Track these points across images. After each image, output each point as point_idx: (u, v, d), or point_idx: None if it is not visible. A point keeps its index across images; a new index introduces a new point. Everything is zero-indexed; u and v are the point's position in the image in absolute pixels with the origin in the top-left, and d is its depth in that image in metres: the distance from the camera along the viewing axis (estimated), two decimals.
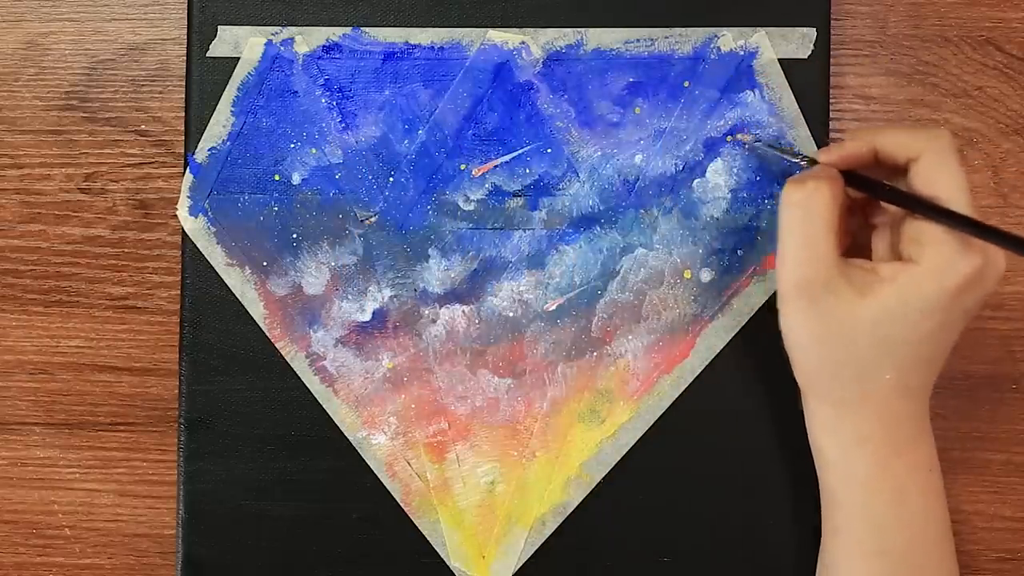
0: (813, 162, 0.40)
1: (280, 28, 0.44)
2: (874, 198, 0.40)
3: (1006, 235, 0.36)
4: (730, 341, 0.44)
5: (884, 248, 0.40)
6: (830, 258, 0.37)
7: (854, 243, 0.41)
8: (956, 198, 0.37)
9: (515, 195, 0.44)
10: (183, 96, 0.45)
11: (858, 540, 0.39)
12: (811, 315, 0.38)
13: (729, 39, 0.44)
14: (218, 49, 0.44)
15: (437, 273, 0.44)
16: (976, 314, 0.38)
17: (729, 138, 0.44)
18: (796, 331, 0.38)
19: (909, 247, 0.38)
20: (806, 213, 0.37)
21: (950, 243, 0.37)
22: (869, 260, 0.40)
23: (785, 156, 0.42)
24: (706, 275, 0.44)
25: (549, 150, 0.44)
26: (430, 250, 0.44)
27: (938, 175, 0.37)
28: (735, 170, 0.44)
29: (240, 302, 0.44)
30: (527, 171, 0.44)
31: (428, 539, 0.44)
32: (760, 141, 0.44)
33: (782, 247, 0.38)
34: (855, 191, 0.40)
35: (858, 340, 0.37)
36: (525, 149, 0.44)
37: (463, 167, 0.44)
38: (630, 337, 0.44)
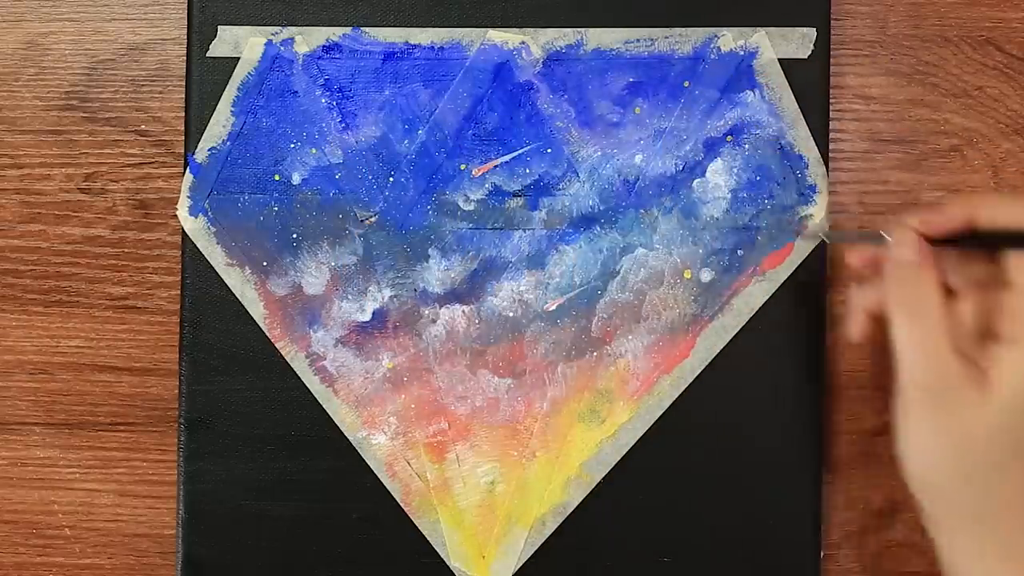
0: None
1: (280, 28, 0.44)
2: (974, 249, 0.36)
3: None
4: (730, 341, 0.44)
5: (971, 319, 0.36)
6: (951, 359, 0.34)
7: None
8: None
9: (515, 195, 0.44)
10: (183, 96, 0.45)
11: None
12: (938, 420, 0.35)
13: (729, 39, 0.44)
14: (218, 49, 0.44)
15: (437, 273, 0.44)
16: None
17: (822, 234, 0.41)
18: (923, 440, 0.35)
19: (1008, 326, 0.34)
20: (920, 318, 0.35)
21: None
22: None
23: (863, 239, 0.40)
24: (706, 275, 0.44)
25: (549, 150, 0.44)
26: (430, 250, 0.44)
27: None
28: (735, 170, 0.44)
29: (240, 302, 0.44)
30: (527, 171, 0.44)
31: (428, 539, 0.44)
32: (845, 234, 0.40)
33: (900, 350, 0.35)
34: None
35: (986, 443, 0.34)
36: (525, 149, 0.44)
37: (463, 167, 0.44)
38: (630, 337, 0.44)
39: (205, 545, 0.44)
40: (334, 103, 0.44)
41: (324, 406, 0.44)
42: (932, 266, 0.35)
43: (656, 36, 0.44)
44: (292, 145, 0.44)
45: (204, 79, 0.44)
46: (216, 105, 0.44)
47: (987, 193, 0.37)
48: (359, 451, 0.44)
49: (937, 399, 0.35)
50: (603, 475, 0.44)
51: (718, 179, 0.44)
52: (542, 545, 0.44)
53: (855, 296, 0.39)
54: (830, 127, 0.44)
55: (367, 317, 0.44)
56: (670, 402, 0.44)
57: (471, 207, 0.44)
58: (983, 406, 0.34)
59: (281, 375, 0.44)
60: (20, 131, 0.47)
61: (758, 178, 0.44)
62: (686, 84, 0.44)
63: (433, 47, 0.44)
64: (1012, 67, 0.46)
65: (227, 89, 0.44)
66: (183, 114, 0.45)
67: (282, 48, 0.44)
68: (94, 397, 0.47)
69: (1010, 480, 0.35)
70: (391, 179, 0.44)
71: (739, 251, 0.44)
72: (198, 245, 0.44)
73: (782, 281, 0.44)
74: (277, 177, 0.44)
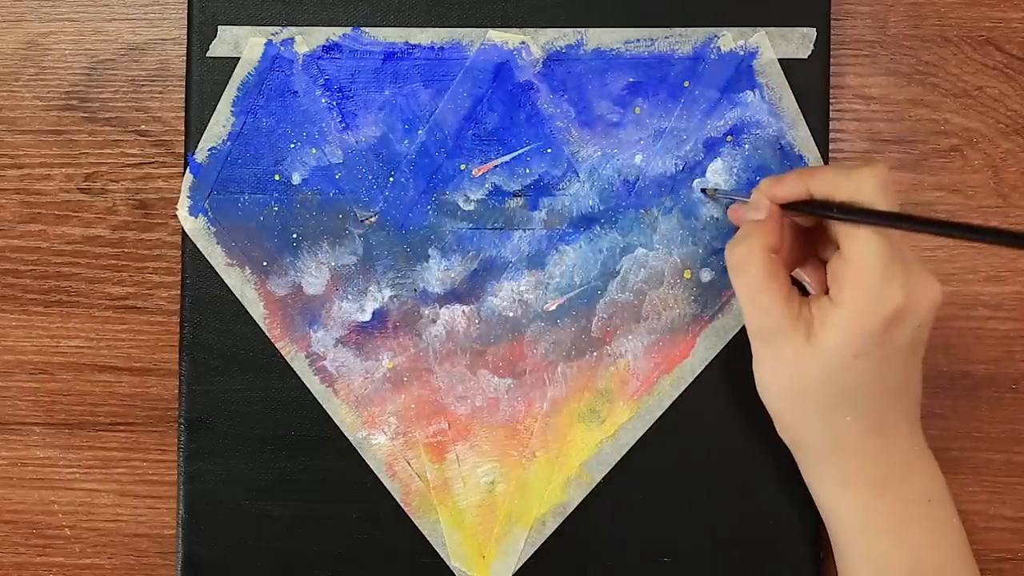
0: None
1: (280, 28, 0.44)
2: (810, 214, 0.39)
3: (937, 221, 0.36)
4: (730, 341, 0.44)
5: (819, 286, 0.41)
6: (778, 307, 0.38)
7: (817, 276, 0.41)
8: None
9: (515, 195, 0.44)
10: (183, 96, 0.45)
11: None
12: (771, 359, 0.39)
13: (729, 39, 0.44)
14: (218, 49, 0.44)
15: (437, 273, 0.44)
16: (923, 345, 0.38)
17: (708, 192, 0.44)
18: (763, 376, 0.40)
19: (833, 288, 0.38)
20: (746, 274, 0.38)
21: (868, 285, 0.37)
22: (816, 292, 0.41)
23: (735, 198, 0.42)
24: (706, 275, 0.44)
25: (549, 150, 0.44)
26: (430, 250, 0.44)
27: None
28: (735, 170, 0.44)
29: (240, 302, 0.44)
30: (527, 171, 0.44)
31: (428, 539, 0.44)
32: (718, 191, 0.44)
33: (741, 305, 0.39)
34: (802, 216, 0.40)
35: (812, 386, 0.38)
36: (525, 149, 0.44)
37: (463, 167, 0.44)
38: (630, 337, 0.44)
39: (205, 545, 0.44)
40: (334, 103, 0.44)
41: (324, 406, 0.44)
42: (764, 231, 0.39)
43: (656, 36, 0.44)
44: (292, 145, 0.44)
45: (204, 79, 0.44)
46: (216, 105, 0.44)
47: (814, 167, 0.41)
48: (359, 451, 0.44)
49: (771, 343, 0.39)
50: (603, 475, 0.44)
51: (718, 179, 0.44)
52: (542, 545, 0.44)
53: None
54: (830, 127, 0.44)
55: (367, 317, 0.44)
56: (670, 402, 0.44)
57: (471, 207, 0.44)
58: (808, 354, 0.38)
59: (281, 375, 0.44)
60: (20, 131, 0.47)
61: (758, 178, 0.44)
62: (686, 84, 0.44)
63: (433, 47, 0.44)
64: (1012, 67, 0.46)
65: (227, 89, 0.44)
66: (183, 114, 0.45)
67: (282, 48, 0.44)
68: (94, 397, 0.47)
69: (840, 420, 0.38)
70: (391, 179, 0.44)
71: None
72: (198, 245, 0.44)
73: None
74: (277, 177, 0.44)
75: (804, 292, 0.40)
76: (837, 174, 0.38)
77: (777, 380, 0.39)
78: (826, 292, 0.39)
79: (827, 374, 0.38)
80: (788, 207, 0.39)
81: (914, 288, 0.37)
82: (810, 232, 0.41)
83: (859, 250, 0.37)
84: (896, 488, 0.39)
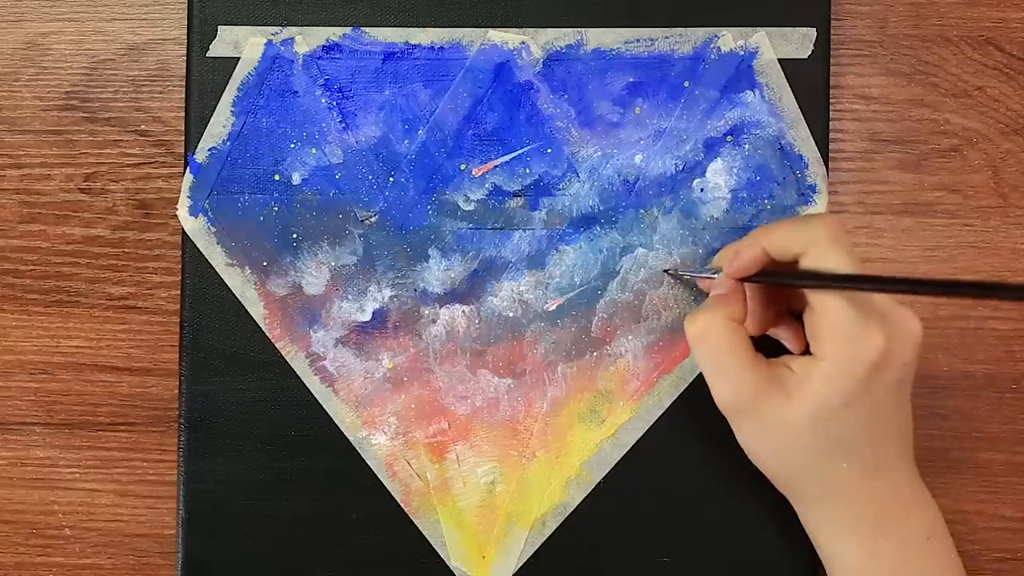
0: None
1: (280, 28, 0.44)
2: (770, 284, 0.39)
3: (896, 279, 0.35)
4: None
5: (797, 342, 0.40)
6: (748, 377, 0.38)
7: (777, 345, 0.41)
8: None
9: (515, 195, 0.44)
10: (183, 96, 0.45)
11: None
12: (754, 430, 0.39)
13: (729, 39, 0.44)
14: (218, 49, 0.44)
15: (437, 273, 0.44)
16: (911, 380, 0.38)
17: (669, 271, 0.44)
18: (748, 446, 0.40)
19: (812, 343, 0.38)
20: (707, 347, 0.39)
21: (845, 337, 0.36)
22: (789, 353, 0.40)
23: (699, 275, 0.43)
24: None
25: (549, 150, 0.44)
26: (430, 250, 0.44)
27: (825, 262, 0.37)
28: (735, 170, 0.44)
29: (240, 302, 0.44)
30: (527, 171, 0.44)
31: (428, 539, 0.44)
32: (675, 271, 0.44)
33: (707, 378, 0.39)
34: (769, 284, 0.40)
35: (802, 440, 0.38)
36: (525, 149, 0.44)
37: (463, 167, 0.44)
38: (630, 337, 0.44)
39: (205, 545, 0.44)
40: (334, 103, 0.44)
41: (324, 406, 0.44)
42: (723, 303, 0.39)
43: (656, 36, 0.44)
44: (292, 145, 0.44)
45: (204, 79, 0.44)
46: (216, 105, 0.44)
47: (770, 225, 0.40)
48: (359, 451, 0.44)
49: (748, 413, 0.38)
50: (603, 475, 0.44)
51: (718, 179, 0.44)
52: (542, 545, 0.44)
53: None
54: (830, 127, 0.44)
55: (367, 317, 0.44)
56: (670, 402, 0.44)
57: (471, 207, 0.44)
58: (792, 413, 0.38)
59: (281, 375, 0.44)
60: (20, 131, 0.47)
61: (758, 178, 0.44)
62: (686, 84, 0.44)
63: (433, 47, 0.44)
64: (1012, 67, 0.46)
65: (227, 89, 0.44)
66: (183, 114, 0.45)
67: (282, 48, 0.44)
68: (94, 397, 0.47)
69: (836, 467, 0.38)
70: (391, 179, 0.44)
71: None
72: (198, 245, 0.44)
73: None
74: (277, 177, 0.44)
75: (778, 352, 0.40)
76: (790, 230, 0.38)
77: (765, 444, 0.39)
78: (805, 347, 0.39)
79: (817, 426, 0.37)
80: (751, 277, 0.39)
81: (894, 329, 0.37)
82: (779, 290, 0.40)
83: (830, 302, 0.36)
84: (895, 529, 0.39)
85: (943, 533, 0.40)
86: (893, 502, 0.39)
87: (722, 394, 0.39)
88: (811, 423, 0.37)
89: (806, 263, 0.37)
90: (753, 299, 0.40)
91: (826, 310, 0.37)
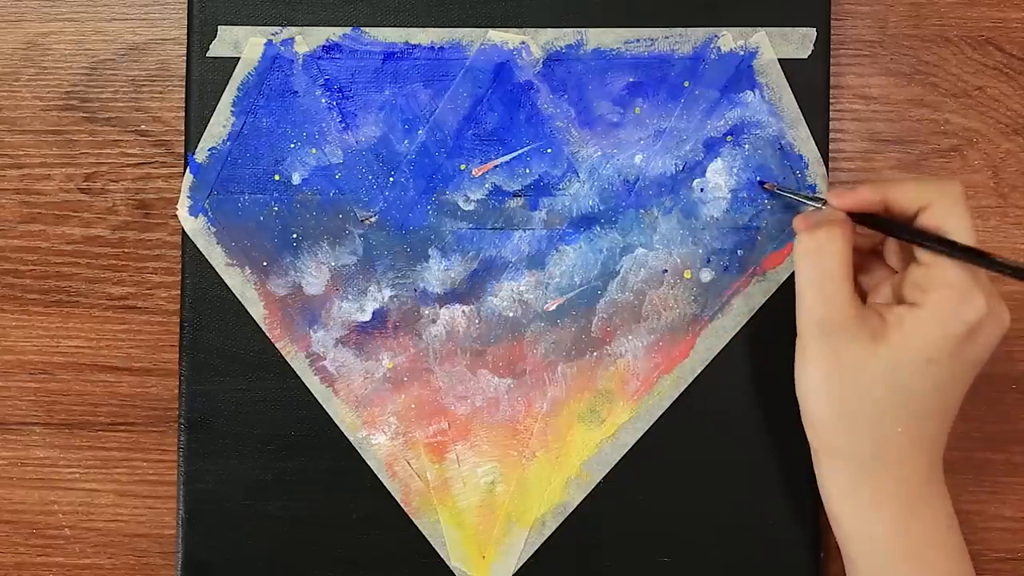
0: (826, 203, 0.40)
1: (280, 28, 0.44)
2: (885, 234, 0.40)
3: (1013, 266, 0.36)
4: (730, 341, 0.44)
5: (885, 296, 0.40)
6: (846, 300, 0.37)
7: (860, 291, 0.41)
8: (964, 240, 0.37)
9: (515, 195, 0.44)
10: (183, 96, 0.45)
11: None
12: (828, 357, 0.37)
13: (729, 39, 0.44)
14: (218, 49, 0.44)
15: (437, 273, 0.44)
16: (979, 369, 0.38)
17: (767, 185, 0.44)
18: (813, 375, 0.38)
19: (913, 293, 0.37)
20: (820, 258, 0.38)
21: (954, 289, 0.36)
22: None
23: (801, 199, 0.42)
24: (706, 275, 0.44)
25: (549, 150, 0.44)
26: (430, 250, 0.44)
27: (947, 220, 0.37)
28: (735, 170, 0.44)
29: (240, 302, 0.44)
30: (527, 171, 0.44)
31: (428, 539, 0.44)
32: (779, 187, 0.43)
33: (800, 291, 0.38)
34: (864, 229, 0.40)
35: (872, 388, 0.37)
36: (525, 149, 0.44)
37: (463, 167, 0.44)
38: (630, 337, 0.44)
39: (205, 545, 0.44)
40: (334, 103, 0.44)
41: (324, 406, 0.44)
42: (843, 223, 0.38)
43: (656, 36, 0.44)
44: (292, 145, 0.44)
45: (204, 79, 0.44)
46: (216, 105, 0.44)
47: (894, 179, 0.40)
48: (359, 451, 0.44)
49: (829, 340, 0.37)
50: (603, 475, 0.44)
51: (718, 179, 0.44)
52: (542, 545, 0.44)
53: None
54: (830, 127, 0.44)
55: (367, 317, 0.44)
56: (670, 402, 0.44)
57: (471, 207, 0.44)
58: (872, 355, 0.37)
59: (281, 375, 0.44)
60: (20, 131, 0.47)
61: (758, 178, 0.44)
62: (686, 84, 0.44)
63: (433, 47, 0.44)
64: (1012, 67, 0.46)
65: (227, 89, 0.44)
66: (183, 114, 0.45)
67: (282, 48, 0.44)
68: (94, 397, 0.47)
69: (891, 430, 0.37)
70: (391, 179, 0.44)
71: (739, 251, 0.44)
72: (198, 245, 0.44)
73: (782, 281, 0.44)
74: (277, 177, 0.44)
75: None
76: (918, 183, 0.38)
77: (830, 381, 0.38)
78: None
79: (893, 376, 0.37)
80: (869, 222, 0.39)
81: (993, 304, 0.37)
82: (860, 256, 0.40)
83: (946, 259, 0.37)
84: (924, 512, 0.38)
85: (957, 526, 0.39)
86: (928, 481, 0.38)
87: (814, 308, 0.37)
88: (888, 370, 0.37)
89: (927, 218, 0.37)
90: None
91: (941, 263, 0.37)
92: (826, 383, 0.38)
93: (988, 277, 0.38)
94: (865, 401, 0.37)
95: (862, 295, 0.41)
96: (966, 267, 0.36)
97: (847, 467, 0.38)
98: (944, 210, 0.37)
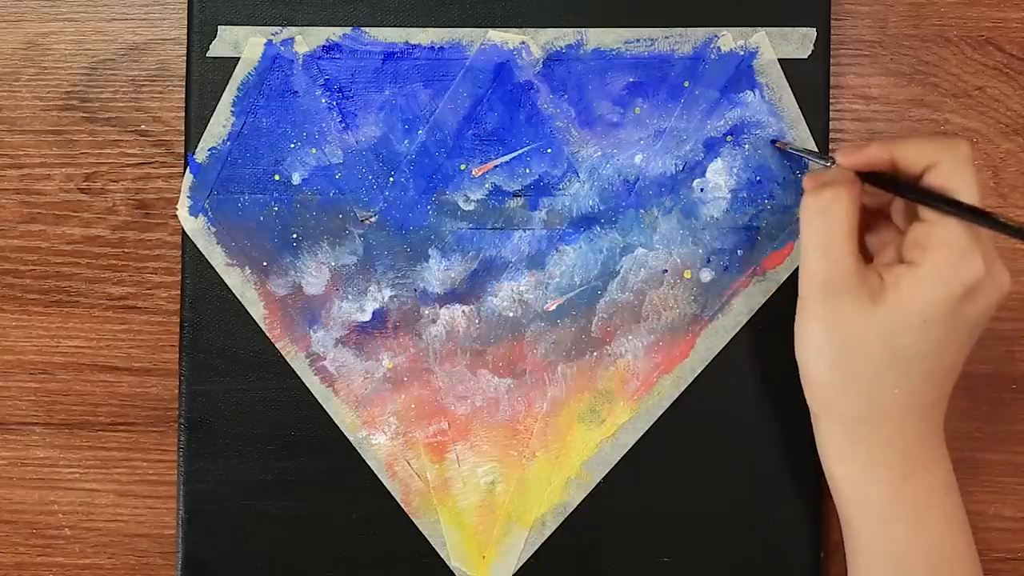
0: (834, 162, 0.40)
1: (280, 28, 0.44)
2: (890, 192, 0.40)
3: (1016, 226, 0.36)
4: (730, 341, 0.44)
5: (890, 257, 0.40)
6: (849, 261, 0.37)
7: (863, 250, 0.41)
8: (969, 200, 0.37)
9: (515, 195, 0.44)
10: (183, 96, 0.45)
11: (878, 569, 0.39)
12: (828, 319, 0.38)
13: (729, 39, 0.44)
14: (218, 49, 0.44)
15: (437, 273, 0.44)
16: (980, 332, 0.38)
17: (779, 143, 0.44)
18: (813, 337, 0.38)
19: (912, 252, 0.37)
20: (826, 219, 0.37)
21: (953, 248, 0.36)
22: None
23: (810, 157, 0.42)
24: (706, 275, 0.44)
25: (549, 150, 0.44)
26: (430, 250, 0.44)
27: (952, 179, 0.37)
28: (735, 170, 0.44)
29: (240, 302, 0.44)
30: (527, 171, 0.44)
31: (428, 539, 0.44)
32: (790, 145, 0.43)
33: (804, 251, 0.38)
34: (870, 187, 0.40)
35: (869, 349, 0.37)
36: (525, 149, 0.44)
37: (463, 167, 0.44)
38: (630, 337, 0.44)
39: (205, 545, 0.44)
40: (334, 103, 0.44)
41: (324, 406, 0.44)
42: (850, 184, 0.38)
43: (656, 36, 0.44)
44: (292, 145, 0.44)
45: (204, 79, 0.44)
46: (216, 105, 0.44)
47: (902, 138, 0.40)
48: (359, 451, 0.44)
49: (829, 299, 0.37)
50: (603, 475, 0.44)
51: (718, 179, 0.44)
52: (542, 545, 0.44)
53: None
54: (830, 127, 0.44)
55: (367, 317, 0.44)
56: (670, 402, 0.44)
57: (471, 207, 0.44)
58: (870, 316, 0.37)
59: (281, 375, 0.44)
60: (20, 131, 0.47)
61: (758, 178, 0.44)
62: (686, 84, 0.44)
63: (433, 47, 0.44)
64: (1012, 67, 0.46)
65: (227, 89, 0.44)
66: (183, 114, 0.45)
67: (282, 48, 0.44)
68: (94, 397, 0.47)
69: (887, 390, 0.38)
70: (391, 179, 0.44)
71: (739, 251, 0.44)
72: (198, 245, 0.44)
73: (782, 281, 0.44)
74: (277, 177, 0.44)
75: None
76: (926, 141, 0.38)
77: (829, 340, 0.38)
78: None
79: (890, 337, 0.37)
80: (875, 180, 0.39)
81: (992, 267, 0.37)
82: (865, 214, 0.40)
83: (949, 218, 0.37)
84: (924, 475, 0.38)
85: (957, 491, 0.39)
86: (925, 445, 0.39)
87: (818, 269, 0.38)
88: (885, 331, 0.37)
89: (933, 177, 0.37)
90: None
91: (942, 222, 0.37)
92: (824, 342, 0.38)
93: (992, 242, 0.38)
94: (863, 362, 0.37)
95: (869, 256, 0.41)
96: (966, 227, 0.36)
97: (844, 428, 0.39)
98: (950, 169, 0.37)
